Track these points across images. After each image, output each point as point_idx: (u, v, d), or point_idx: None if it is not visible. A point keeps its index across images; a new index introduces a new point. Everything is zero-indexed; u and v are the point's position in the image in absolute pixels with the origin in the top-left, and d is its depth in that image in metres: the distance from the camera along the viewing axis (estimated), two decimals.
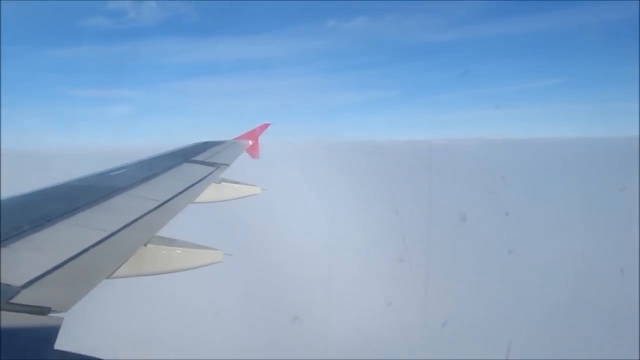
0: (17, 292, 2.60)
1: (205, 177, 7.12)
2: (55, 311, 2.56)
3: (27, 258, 3.16)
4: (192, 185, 6.43)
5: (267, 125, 12.72)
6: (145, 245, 4.11)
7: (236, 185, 7.75)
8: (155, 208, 4.92)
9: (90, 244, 3.57)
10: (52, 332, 2.34)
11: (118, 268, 3.56)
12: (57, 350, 2.25)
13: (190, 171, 7.38)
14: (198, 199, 6.21)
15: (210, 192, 6.82)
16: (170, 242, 4.42)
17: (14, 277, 2.75)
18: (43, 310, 2.52)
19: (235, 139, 12.04)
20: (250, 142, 12.01)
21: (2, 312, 2.38)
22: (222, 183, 7.45)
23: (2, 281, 2.66)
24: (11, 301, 2.51)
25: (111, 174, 6.37)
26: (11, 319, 2.36)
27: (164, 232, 4.52)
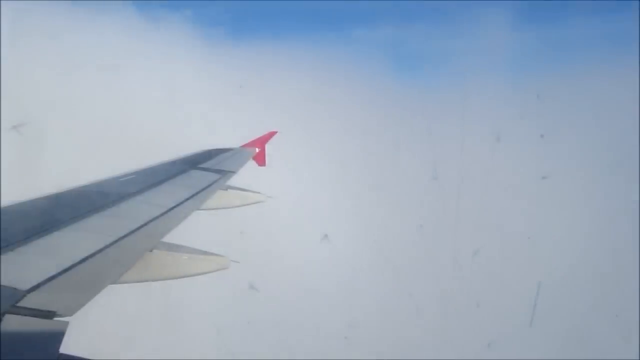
0: (23, 296, 2.61)
1: (212, 184, 7.15)
2: (60, 315, 2.58)
3: (34, 262, 3.18)
4: (199, 192, 6.46)
5: (274, 133, 12.75)
6: (151, 251, 4.13)
7: (242, 193, 7.78)
8: (162, 214, 4.94)
9: (96, 249, 3.59)
10: (57, 336, 2.35)
11: (124, 273, 3.58)
12: (62, 354, 2.26)
13: (197, 178, 7.41)
14: (204, 206, 6.24)
15: (216, 199, 6.85)
16: (177, 248, 4.44)
17: (20, 281, 2.77)
18: (48, 315, 2.53)
19: (242, 146, 12.07)
20: (257, 150, 12.03)
21: (8, 316, 2.39)
22: (229, 190, 7.48)
23: (8, 285, 2.68)
24: (17, 305, 2.52)
25: (119, 180, 6.42)
26: (17, 323, 2.37)
27: (170, 238, 4.54)
